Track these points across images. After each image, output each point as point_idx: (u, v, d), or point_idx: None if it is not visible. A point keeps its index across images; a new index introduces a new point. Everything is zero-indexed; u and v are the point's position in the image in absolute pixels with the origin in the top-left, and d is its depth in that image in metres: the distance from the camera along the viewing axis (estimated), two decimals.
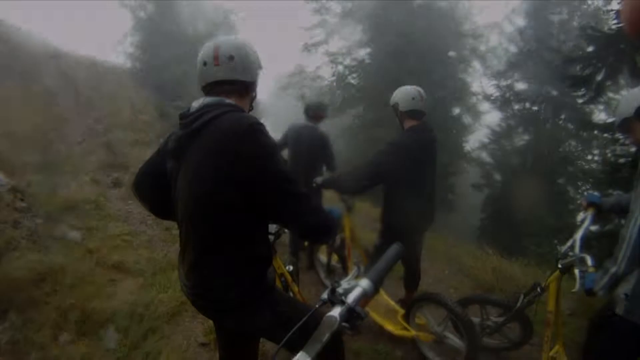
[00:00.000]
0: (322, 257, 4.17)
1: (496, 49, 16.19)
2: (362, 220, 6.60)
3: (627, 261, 1.59)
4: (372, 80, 15.42)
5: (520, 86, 15.00)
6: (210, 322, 3.13)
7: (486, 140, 16.11)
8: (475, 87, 17.04)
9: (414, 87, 2.90)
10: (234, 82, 1.54)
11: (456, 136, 16.18)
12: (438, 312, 3.11)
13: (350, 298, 1.01)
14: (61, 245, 4.09)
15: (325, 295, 1.05)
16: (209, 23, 19.92)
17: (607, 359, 1.81)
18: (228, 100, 1.51)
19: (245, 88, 1.58)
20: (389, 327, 3.24)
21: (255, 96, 1.69)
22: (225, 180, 1.36)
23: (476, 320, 3.02)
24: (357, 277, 1.16)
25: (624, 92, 4.25)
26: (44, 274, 3.34)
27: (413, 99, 2.83)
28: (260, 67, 1.63)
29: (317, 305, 1.06)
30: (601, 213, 2.47)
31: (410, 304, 3.17)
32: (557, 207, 11.36)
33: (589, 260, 2.00)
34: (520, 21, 15.11)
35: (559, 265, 2.23)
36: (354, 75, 16.93)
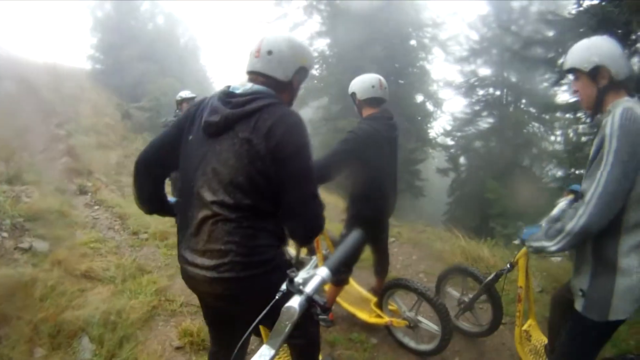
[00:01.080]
0: (291, 250, 4.17)
1: (457, 37, 16.44)
2: (330, 213, 6.61)
3: (565, 249, 1.67)
4: (333, 70, 15.45)
5: (484, 72, 15.29)
6: (185, 324, 3.14)
7: (451, 126, 16.37)
8: (436, 74, 17.34)
9: (374, 74, 2.87)
10: (267, 77, 1.59)
11: (421, 123, 16.42)
12: (409, 297, 3.18)
13: (309, 287, 1.03)
14: (29, 257, 4.00)
15: (284, 286, 1.06)
16: (169, 18, 19.53)
17: (570, 351, 1.87)
18: (273, 92, 1.59)
19: (279, 85, 1.61)
20: (362, 315, 3.27)
21: (292, 98, 1.74)
22: (267, 156, 1.47)
23: (456, 294, 3.13)
24: (316, 266, 1.18)
25: None
26: (13, 288, 3.24)
27: (373, 87, 2.80)
28: (304, 68, 1.67)
29: (276, 297, 1.06)
30: (579, 199, 2.57)
31: (382, 291, 3.20)
32: (522, 189, 11.65)
33: None
34: (482, 7, 15.41)
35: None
36: (316, 66, 16.92)
